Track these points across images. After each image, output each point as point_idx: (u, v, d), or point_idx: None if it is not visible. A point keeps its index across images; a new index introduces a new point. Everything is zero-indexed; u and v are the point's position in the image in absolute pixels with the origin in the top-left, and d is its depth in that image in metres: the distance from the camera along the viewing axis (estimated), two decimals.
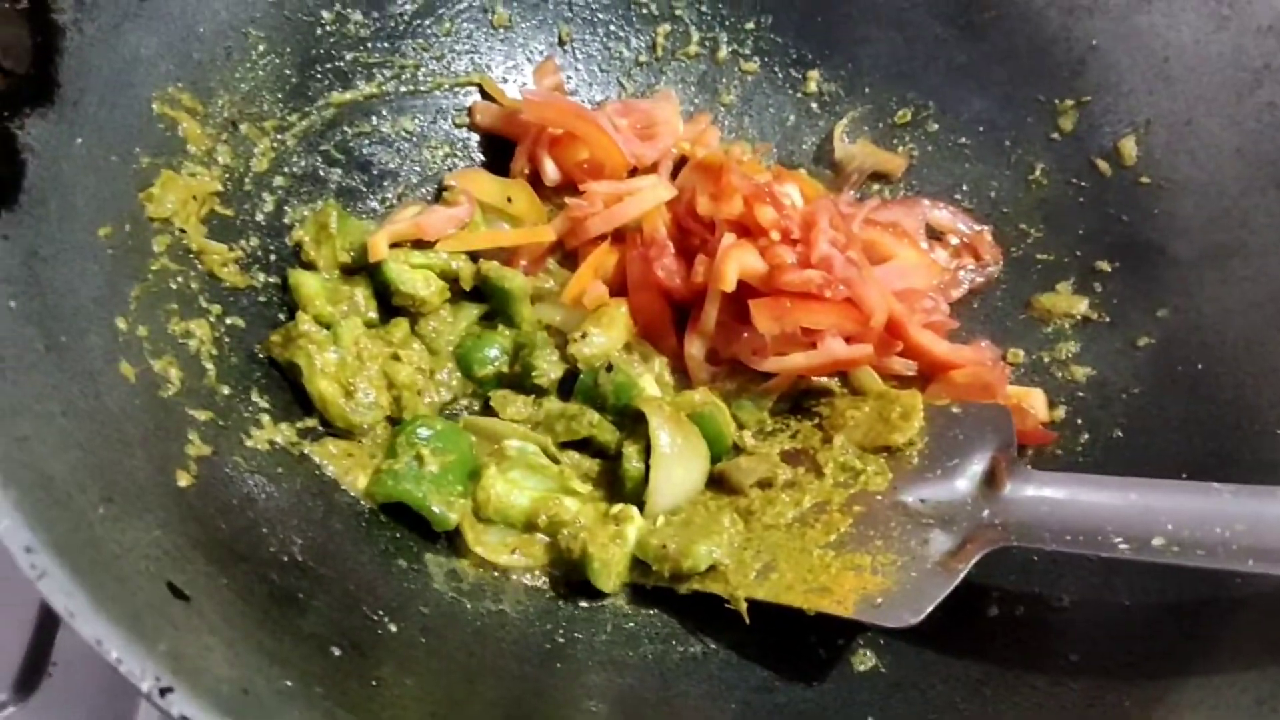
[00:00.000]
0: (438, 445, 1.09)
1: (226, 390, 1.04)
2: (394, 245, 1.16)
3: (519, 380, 1.18)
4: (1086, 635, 0.99)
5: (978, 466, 1.04)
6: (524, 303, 1.20)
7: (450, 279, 1.20)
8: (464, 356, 1.19)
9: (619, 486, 1.13)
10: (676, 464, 1.10)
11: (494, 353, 1.19)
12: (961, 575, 0.95)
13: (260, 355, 1.10)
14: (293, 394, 1.11)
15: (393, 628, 0.96)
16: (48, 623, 1.13)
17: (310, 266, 1.16)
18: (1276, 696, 0.83)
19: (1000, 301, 1.27)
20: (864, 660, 1.02)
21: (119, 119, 0.98)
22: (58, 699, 1.11)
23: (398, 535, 1.07)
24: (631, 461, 1.11)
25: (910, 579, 0.97)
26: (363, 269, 1.17)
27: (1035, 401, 1.18)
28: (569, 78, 1.36)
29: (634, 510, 1.09)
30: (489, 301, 1.22)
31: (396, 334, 1.16)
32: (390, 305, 1.18)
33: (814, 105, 1.38)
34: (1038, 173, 1.26)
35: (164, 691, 0.64)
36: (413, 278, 1.16)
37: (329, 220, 1.16)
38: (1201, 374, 1.10)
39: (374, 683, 0.86)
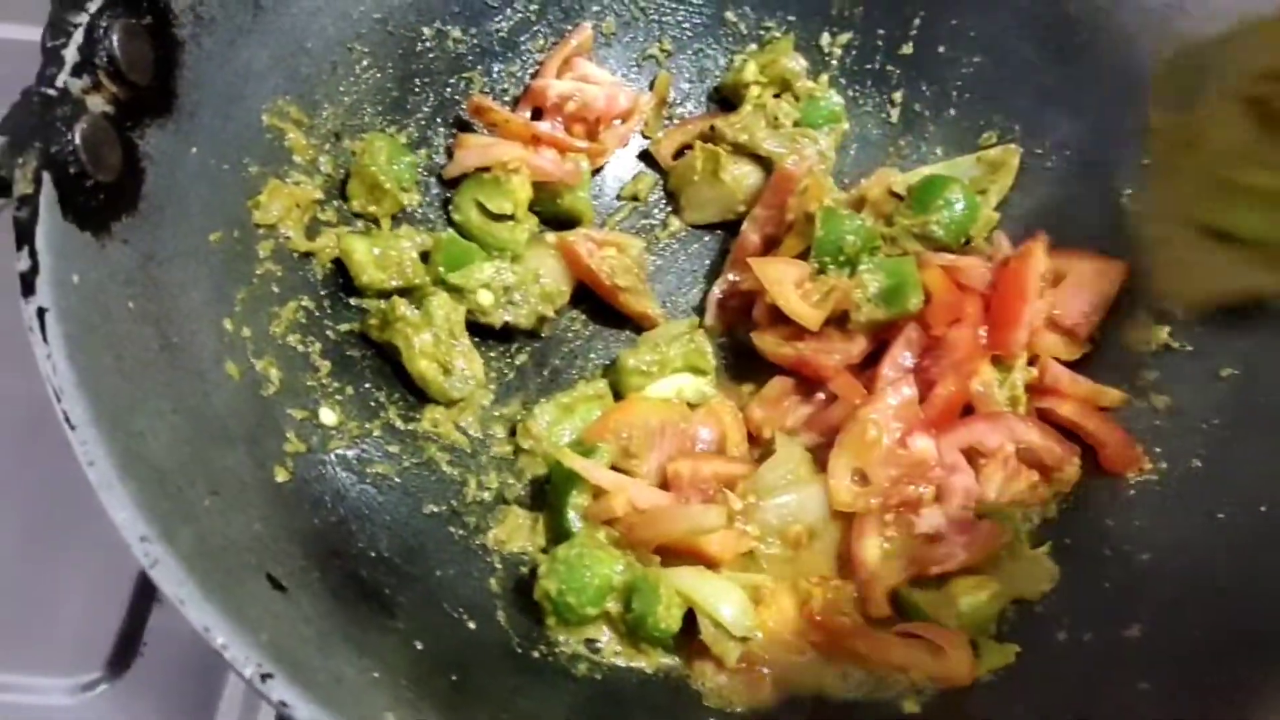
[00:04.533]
0: None
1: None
2: None
3: None
4: (1156, 664, 0.96)
5: None
6: None
7: None
8: None
9: None
10: None
11: None
12: None
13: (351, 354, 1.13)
14: (387, 390, 1.14)
15: (471, 625, 1.00)
16: (141, 604, 1.18)
17: None
18: None
19: None
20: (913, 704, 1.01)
21: (231, 130, 1.02)
22: (149, 677, 1.15)
23: (476, 539, 1.10)
24: None
25: None
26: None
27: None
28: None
29: None
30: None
31: None
32: None
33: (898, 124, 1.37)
34: (1126, 198, 1.24)
35: (265, 677, 0.67)
36: None
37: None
38: None
39: (454, 677, 0.90)
